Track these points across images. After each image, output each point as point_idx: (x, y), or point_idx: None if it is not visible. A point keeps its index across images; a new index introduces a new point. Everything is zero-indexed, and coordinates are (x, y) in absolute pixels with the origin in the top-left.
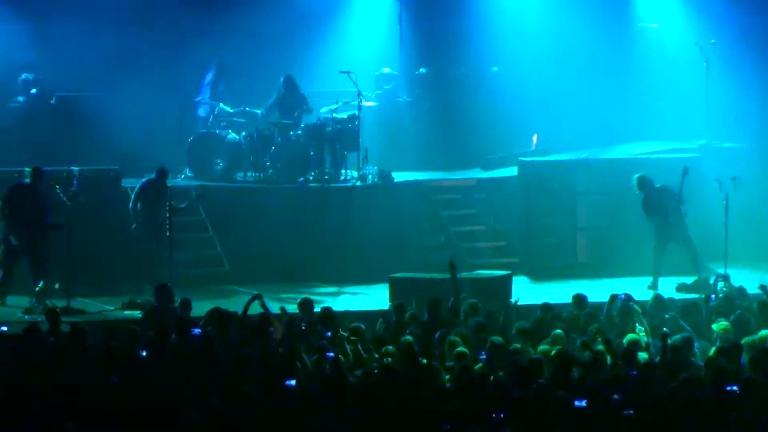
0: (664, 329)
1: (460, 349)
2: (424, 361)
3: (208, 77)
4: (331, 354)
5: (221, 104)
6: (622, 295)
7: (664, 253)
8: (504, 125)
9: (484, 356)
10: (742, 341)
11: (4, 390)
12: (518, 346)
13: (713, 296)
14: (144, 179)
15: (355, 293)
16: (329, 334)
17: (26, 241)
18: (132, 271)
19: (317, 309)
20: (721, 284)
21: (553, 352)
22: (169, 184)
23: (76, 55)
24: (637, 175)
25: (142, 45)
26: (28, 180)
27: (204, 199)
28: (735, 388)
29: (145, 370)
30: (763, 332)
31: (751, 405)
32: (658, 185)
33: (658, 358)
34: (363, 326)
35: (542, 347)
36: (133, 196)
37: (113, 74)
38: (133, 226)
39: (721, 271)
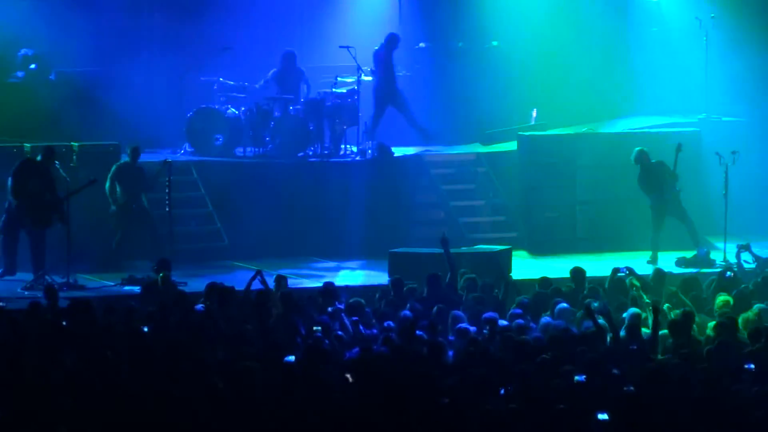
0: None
1: (462, 325)
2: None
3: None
4: (318, 328)
5: (220, 78)
6: (624, 269)
7: (662, 228)
8: (503, 99)
9: (486, 331)
10: (740, 317)
11: (4, 364)
12: (521, 322)
13: (735, 268)
14: (120, 162)
15: (354, 269)
16: (330, 309)
17: (31, 219)
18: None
19: (320, 284)
20: (744, 254)
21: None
22: (170, 159)
23: (76, 30)
24: (636, 149)
25: (142, 20)
26: (39, 158)
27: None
28: (752, 366)
29: (146, 345)
30: (757, 306)
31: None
32: (654, 160)
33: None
34: (363, 301)
35: (545, 320)
36: (108, 179)
37: (113, 49)
38: (112, 208)
39: (720, 244)
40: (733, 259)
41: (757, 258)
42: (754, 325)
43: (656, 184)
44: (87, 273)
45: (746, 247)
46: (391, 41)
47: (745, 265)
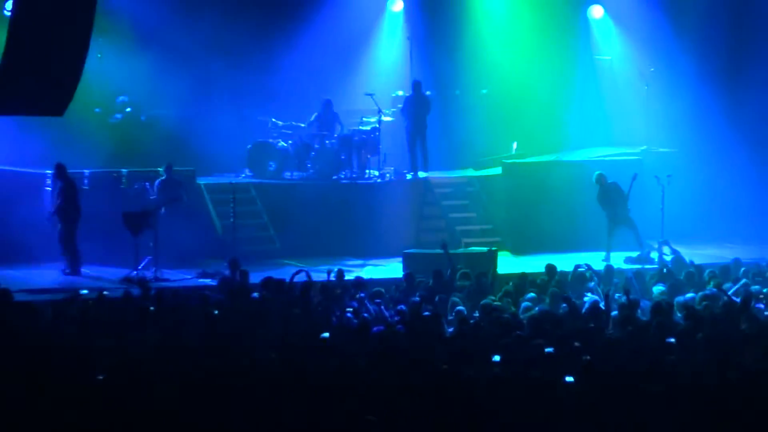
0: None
1: (458, 308)
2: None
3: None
4: (349, 312)
5: (273, 119)
6: (584, 265)
7: (614, 234)
8: (490, 134)
9: (477, 313)
10: (674, 301)
11: (104, 340)
12: (500, 304)
13: (661, 260)
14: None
15: (377, 265)
16: (362, 295)
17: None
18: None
19: (350, 277)
20: (665, 247)
21: (529, 310)
22: (233, 181)
23: (162, 82)
24: (597, 172)
25: (211, 74)
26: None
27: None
28: (673, 340)
29: (217, 325)
30: (689, 294)
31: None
32: (610, 181)
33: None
34: (383, 290)
35: (524, 304)
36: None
37: (190, 96)
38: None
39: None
40: (667, 259)
41: (673, 251)
42: (686, 309)
43: (610, 200)
44: (170, 268)
45: (665, 243)
46: (417, 87)
47: (665, 257)
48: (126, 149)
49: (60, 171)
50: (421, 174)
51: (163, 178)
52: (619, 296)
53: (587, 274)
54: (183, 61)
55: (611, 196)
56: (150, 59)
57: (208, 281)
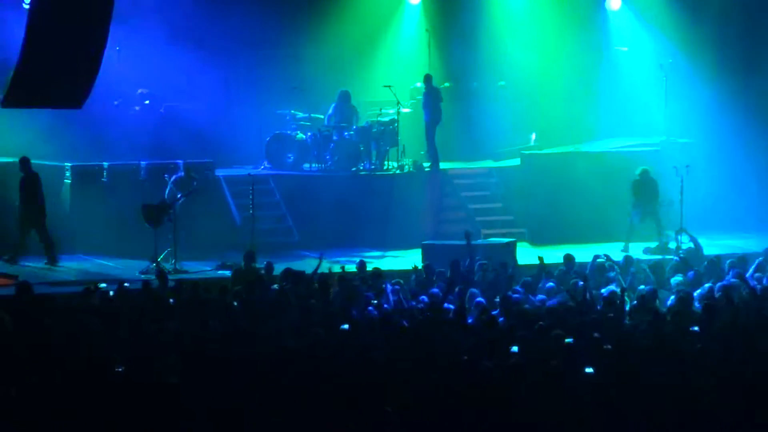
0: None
1: (478, 299)
2: (451, 307)
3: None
4: (371, 306)
5: (292, 110)
6: (603, 256)
7: (636, 225)
8: (509, 126)
9: (498, 303)
10: (695, 293)
11: (125, 330)
12: (519, 295)
13: (681, 253)
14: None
15: (396, 256)
16: (385, 286)
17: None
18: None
19: (369, 268)
20: (681, 235)
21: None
22: (252, 173)
23: (180, 74)
24: (642, 167)
25: (229, 65)
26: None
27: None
28: (696, 328)
29: (235, 317)
30: (708, 284)
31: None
32: (652, 176)
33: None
34: (402, 281)
35: (541, 296)
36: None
37: (208, 88)
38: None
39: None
40: (685, 248)
41: (691, 238)
42: (705, 299)
43: (645, 193)
44: (189, 260)
45: (682, 231)
46: (430, 80)
47: (683, 245)
48: (144, 141)
49: (22, 164)
50: (426, 164)
51: (181, 175)
52: (642, 288)
53: (606, 265)
54: (205, 55)
55: (648, 190)
56: (172, 52)
57: (227, 273)
